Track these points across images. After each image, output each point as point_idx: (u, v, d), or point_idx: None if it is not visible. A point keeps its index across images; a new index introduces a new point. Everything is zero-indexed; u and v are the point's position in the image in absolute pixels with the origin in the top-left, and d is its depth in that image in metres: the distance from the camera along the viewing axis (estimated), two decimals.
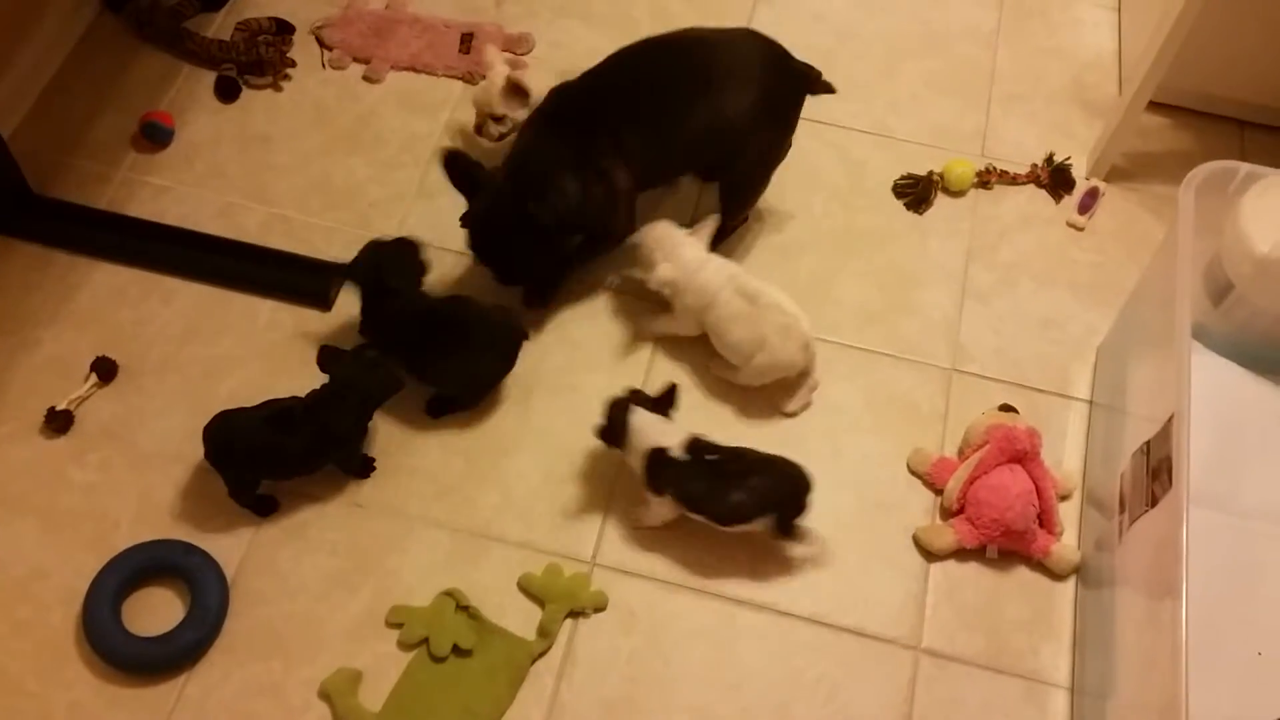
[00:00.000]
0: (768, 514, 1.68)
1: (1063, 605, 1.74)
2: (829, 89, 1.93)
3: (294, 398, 1.74)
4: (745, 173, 1.97)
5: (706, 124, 1.85)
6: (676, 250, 1.85)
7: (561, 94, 1.88)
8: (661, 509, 1.73)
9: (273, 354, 1.91)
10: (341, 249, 2.02)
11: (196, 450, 1.72)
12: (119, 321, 1.93)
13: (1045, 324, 2.02)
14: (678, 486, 1.68)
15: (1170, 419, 1.51)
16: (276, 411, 1.70)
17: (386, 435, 1.83)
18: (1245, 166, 1.72)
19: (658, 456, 1.68)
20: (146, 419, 1.84)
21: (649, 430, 1.70)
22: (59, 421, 1.81)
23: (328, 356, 1.73)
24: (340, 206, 2.08)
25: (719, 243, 1.96)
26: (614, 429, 1.71)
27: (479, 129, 2.08)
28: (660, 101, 1.85)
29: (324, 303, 1.95)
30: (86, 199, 2.06)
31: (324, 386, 1.73)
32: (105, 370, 1.86)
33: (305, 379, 1.78)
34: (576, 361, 1.93)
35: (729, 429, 1.86)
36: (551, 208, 1.78)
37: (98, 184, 2.08)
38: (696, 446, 1.69)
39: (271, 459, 1.71)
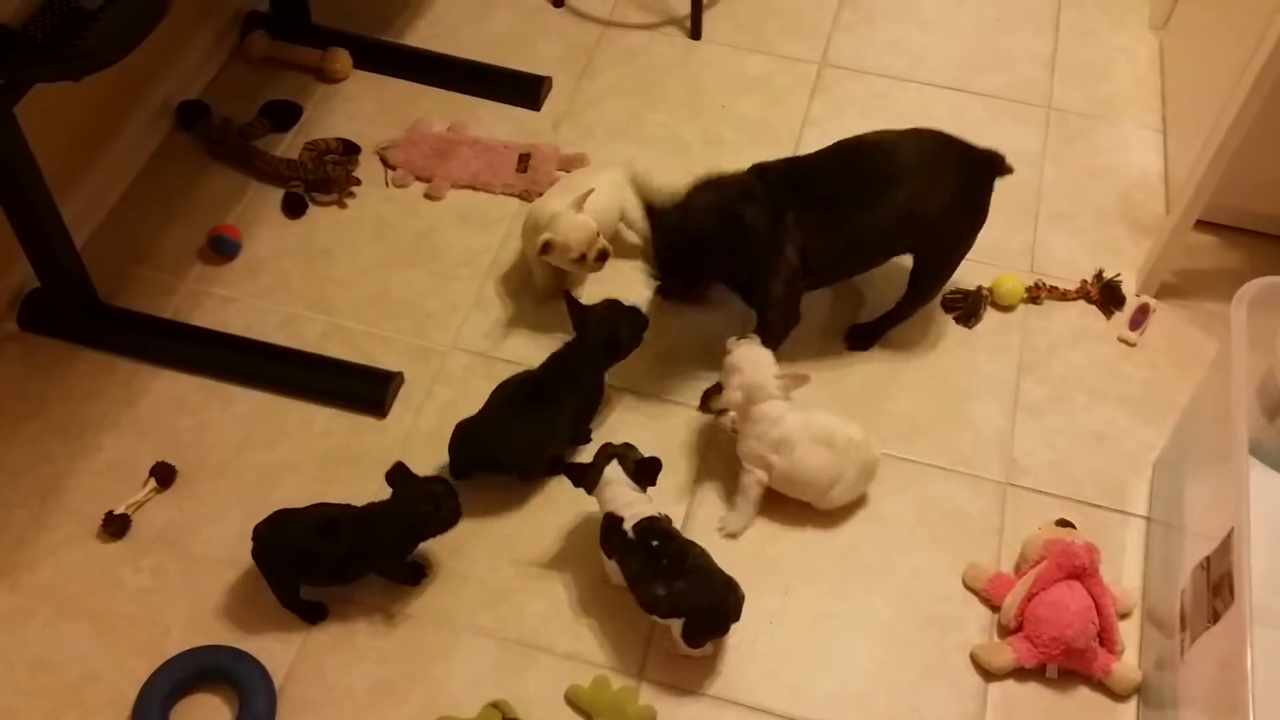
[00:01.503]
0: (680, 617, 1.66)
1: None
2: (1010, 170, 2.00)
3: (346, 505, 1.76)
4: (939, 259, 2.04)
5: (896, 218, 1.93)
6: (756, 383, 1.83)
7: (759, 170, 1.96)
8: (614, 571, 1.74)
9: (327, 460, 1.94)
10: (398, 358, 2.06)
11: (249, 555, 1.73)
12: (179, 428, 1.97)
13: (1099, 439, 2.00)
14: (619, 557, 1.71)
15: (1230, 534, 1.49)
16: (324, 518, 1.72)
17: (437, 541, 1.83)
18: None
19: (611, 522, 1.71)
20: (201, 524, 1.87)
21: (615, 493, 1.72)
22: (116, 525, 1.83)
23: (397, 476, 1.75)
24: (398, 316, 2.13)
25: (897, 322, 2.09)
26: (587, 473, 1.74)
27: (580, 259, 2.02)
28: (845, 196, 1.93)
29: (379, 409, 1.99)
30: (153, 309, 2.12)
31: (382, 502, 1.75)
32: (164, 475, 1.89)
33: (357, 485, 1.80)
34: None
35: (777, 541, 1.85)
36: (751, 220, 1.87)
37: (164, 294, 2.15)
38: (646, 529, 1.69)
39: (311, 563, 1.72)
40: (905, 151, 1.96)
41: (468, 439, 1.86)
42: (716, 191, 1.92)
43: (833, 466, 1.83)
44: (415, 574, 1.80)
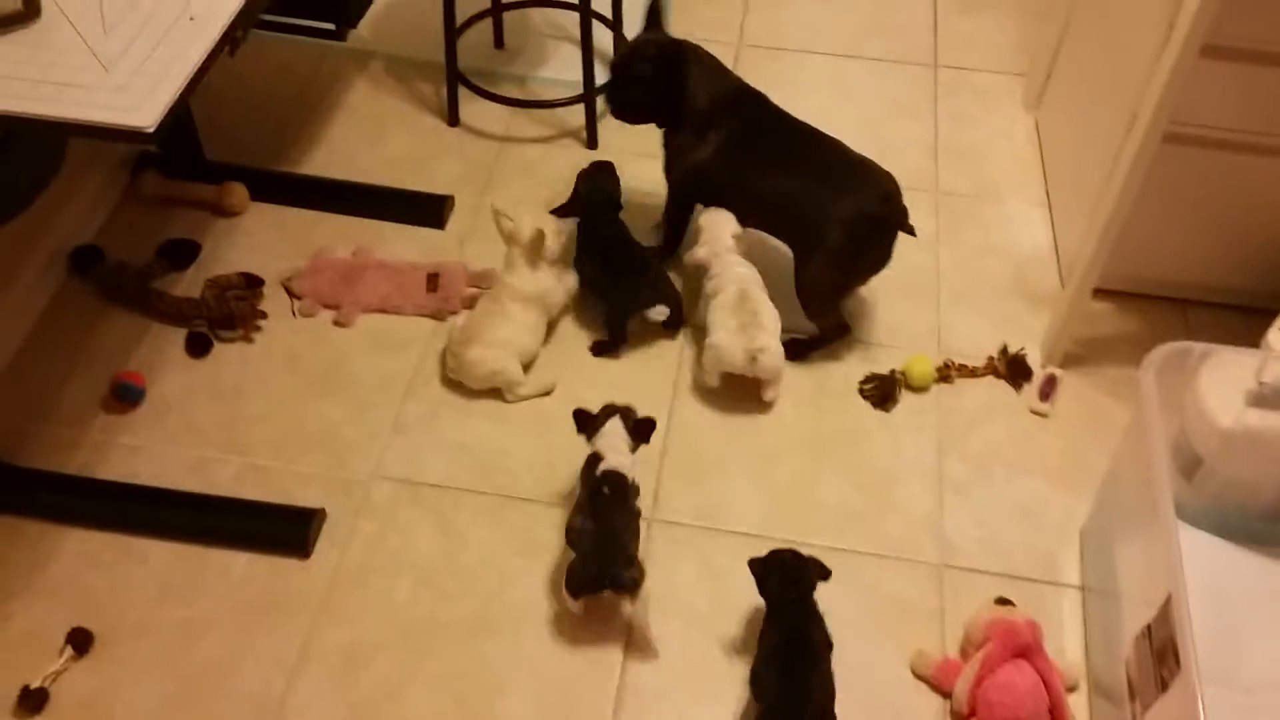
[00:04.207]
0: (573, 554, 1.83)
1: None
2: (910, 231, 2.16)
3: None
4: (808, 270, 2.16)
5: (793, 193, 2.13)
6: (716, 239, 2.19)
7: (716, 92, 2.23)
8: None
9: (250, 610, 1.86)
10: (319, 493, 2.01)
11: (174, 718, 1.65)
12: (93, 588, 1.88)
13: (1025, 512, 2.04)
14: (580, 484, 1.91)
15: (1168, 600, 1.52)
16: None
17: (371, 682, 1.77)
18: (1199, 346, 1.79)
19: (592, 459, 1.90)
20: (123, 690, 1.77)
21: (608, 442, 1.90)
22: (33, 701, 1.73)
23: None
24: (315, 450, 2.08)
25: (811, 351, 2.25)
26: (590, 422, 1.93)
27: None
28: (771, 151, 2.19)
29: (302, 550, 1.92)
30: (57, 465, 2.04)
31: None
32: (80, 642, 1.80)
33: (282, 632, 1.73)
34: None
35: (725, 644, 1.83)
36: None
37: (68, 449, 2.06)
38: (608, 476, 1.85)
39: None
40: (841, 161, 2.16)
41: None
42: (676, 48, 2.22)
43: (725, 313, 2.12)
44: None
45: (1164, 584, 1.52)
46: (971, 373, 2.23)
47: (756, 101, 2.25)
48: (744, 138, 2.20)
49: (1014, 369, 2.23)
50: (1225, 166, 2.10)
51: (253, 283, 2.31)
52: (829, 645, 1.73)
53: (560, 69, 2.85)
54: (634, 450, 1.92)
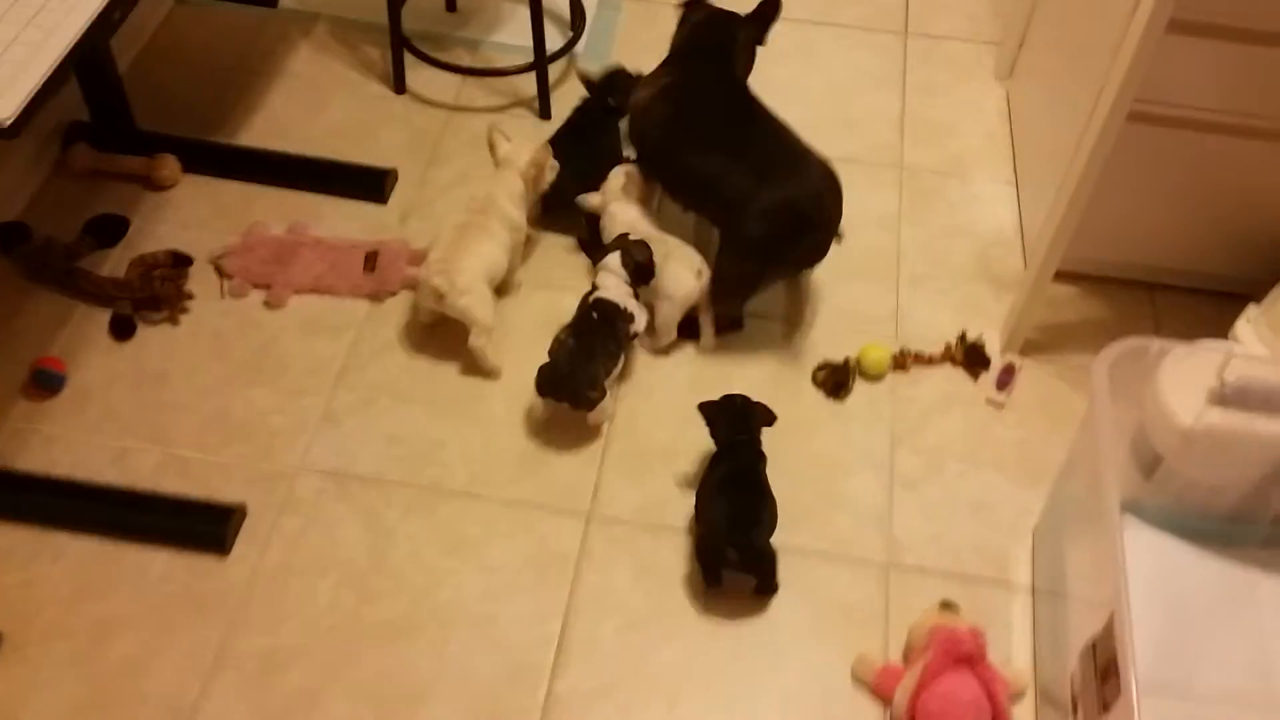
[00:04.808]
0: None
1: None
2: (835, 237, 2.08)
3: None
4: (719, 262, 2.08)
5: (720, 174, 2.03)
6: (609, 189, 2.21)
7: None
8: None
9: (166, 609, 1.79)
10: (242, 487, 1.93)
11: None
12: (4, 586, 1.80)
13: (977, 507, 1.96)
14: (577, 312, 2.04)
15: (1111, 618, 1.44)
16: None
17: (289, 688, 1.70)
18: (1156, 343, 1.70)
19: (589, 292, 2.04)
20: (32, 694, 1.70)
21: (604, 277, 2.05)
22: None
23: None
24: (240, 440, 1.99)
25: (714, 327, 2.15)
26: (595, 251, 2.13)
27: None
28: (709, 124, 2.09)
29: (221, 548, 1.85)
30: None
31: None
32: None
33: (199, 633, 1.65)
34: (496, 587, 1.83)
35: (659, 651, 1.76)
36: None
37: None
38: (599, 304, 2.00)
39: None
40: (780, 148, 2.05)
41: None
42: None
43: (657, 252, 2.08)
44: None
45: (1109, 597, 1.45)
46: (928, 361, 2.15)
47: (714, 66, 2.16)
48: (686, 101, 2.12)
49: (971, 357, 2.14)
50: (1194, 146, 2.01)
51: (180, 261, 2.21)
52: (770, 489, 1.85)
53: (516, 34, 2.74)
54: (632, 287, 2.04)
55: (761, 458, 1.88)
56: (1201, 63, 1.88)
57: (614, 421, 2.04)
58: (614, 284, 2.04)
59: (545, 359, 1.96)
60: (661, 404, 2.07)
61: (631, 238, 2.09)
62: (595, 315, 1.99)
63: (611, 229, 2.16)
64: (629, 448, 2.01)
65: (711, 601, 1.82)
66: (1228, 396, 1.63)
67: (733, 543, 1.77)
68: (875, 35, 2.79)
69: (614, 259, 2.05)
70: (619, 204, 2.19)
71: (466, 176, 2.43)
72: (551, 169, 2.23)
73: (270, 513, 1.90)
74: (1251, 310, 1.99)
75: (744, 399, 1.91)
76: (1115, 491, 1.53)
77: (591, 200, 2.22)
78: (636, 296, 2.05)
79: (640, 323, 2.04)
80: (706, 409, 1.90)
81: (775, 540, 1.83)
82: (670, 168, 2.14)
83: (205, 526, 1.86)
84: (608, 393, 1.97)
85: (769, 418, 1.91)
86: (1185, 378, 1.68)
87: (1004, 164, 2.50)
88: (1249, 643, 1.69)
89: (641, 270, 2.05)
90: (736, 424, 1.89)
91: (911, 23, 2.82)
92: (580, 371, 1.93)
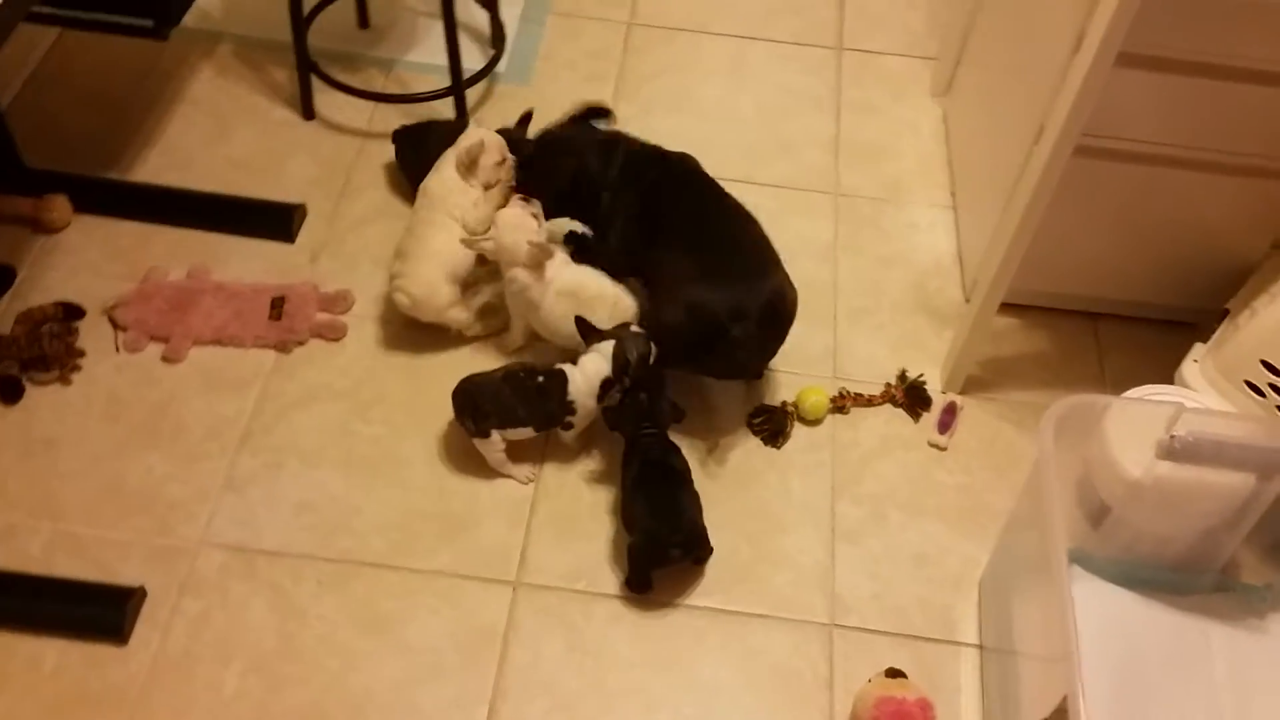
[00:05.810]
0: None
1: None
2: (741, 366, 1.99)
3: None
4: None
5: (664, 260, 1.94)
6: (507, 246, 1.96)
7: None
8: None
9: (60, 707, 1.65)
10: (139, 565, 1.79)
11: None
12: None
13: (920, 560, 1.88)
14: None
15: (1064, 700, 1.38)
16: None
17: None
18: (1101, 399, 1.65)
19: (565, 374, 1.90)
20: None
21: (592, 363, 1.90)
22: None
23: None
24: (136, 512, 1.85)
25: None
26: (596, 335, 1.92)
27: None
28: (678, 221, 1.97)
29: (118, 635, 1.71)
30: None
31: None
32: None
33: None
34: (416, 669, 1.72)
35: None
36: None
37: None
38: (547, 387, 1.88)
39: None
40: (730, 248, 1.92)
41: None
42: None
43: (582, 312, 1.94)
44: None
45: (1059, 657, 1.39)
46: (868, 402, 2.06)
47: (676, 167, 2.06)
48: (652, 203, 2.00)
49: (912, 397, 2.06)
50: (1137, 178, 1.94)
51: (71, 313, 2.06)
52: (688, 470, 1.86)
53: (433, 53, 2.60)
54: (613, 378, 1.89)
55: (673, 448, 1.87)
56: (1147, 96, 1.81)
57: (540, 481, 1.93)
58: (593, 372, 1.89)
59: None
60: (590, 461, 1.97)
61: (551, 289, 1.97)
62: (541, 381, 1.88)
63: (535, 302, 1.99)
64: (557, 508, 1.90)
65: (646, 673, 1.72)
66: (1177, 451, 1.57)
67: (672, 543, 1.77)
68: (809, 50, 2.69)
69: (607, 347, 1.89)
70: (569, 269, 2.00)
71: (382, 210, 2.30)
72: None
73: (171, 594, 1.76)
74: (1198, 350, 1.93)
75: (647, 396, 1.86)
76: (1064, 553, 1.46)
77: (485, 247, 2.00)
78: (612, 387, 1.90)
79: (577, 422, 1.92)
80: (608, 414, 1.89)
81: (711, 601, 1.75)
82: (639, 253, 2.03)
83: (101, 612, 1.72)
84: (493, 436, 1.88)
85: (677, 415, 1.89)
86: (1132, 428, 1.63)
87: (940, 188, 2.42)
88: (1203, 693, 1.65)
89: (629, 369, 1.87)
90: (640, 419, 1.86)
91: (846, 38, 2.72)
92: (485, 405, 1.86)
